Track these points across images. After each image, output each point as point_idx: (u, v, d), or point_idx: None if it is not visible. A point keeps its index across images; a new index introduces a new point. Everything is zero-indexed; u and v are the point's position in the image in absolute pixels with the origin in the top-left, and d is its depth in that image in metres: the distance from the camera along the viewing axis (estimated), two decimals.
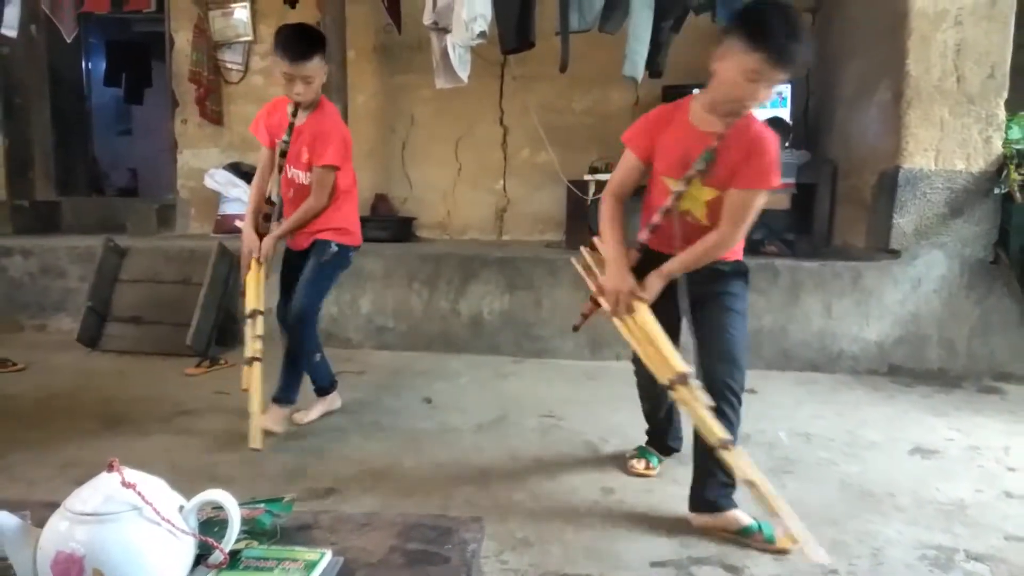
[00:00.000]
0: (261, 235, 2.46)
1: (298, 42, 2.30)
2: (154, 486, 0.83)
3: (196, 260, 3.88)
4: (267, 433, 2.35)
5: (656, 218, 1.90)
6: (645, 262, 1.92)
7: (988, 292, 3.31)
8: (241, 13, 5.10)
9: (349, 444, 2.42)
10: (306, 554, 0.89)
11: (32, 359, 3.48)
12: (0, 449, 2.32)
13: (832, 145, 4.18)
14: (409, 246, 4.38)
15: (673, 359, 1.77)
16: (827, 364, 3.44)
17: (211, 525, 0.91)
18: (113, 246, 3.97)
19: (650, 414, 2.25)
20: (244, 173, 4.94)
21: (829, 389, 3.18)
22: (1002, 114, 3.26)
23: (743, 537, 1.77)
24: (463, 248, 4.24)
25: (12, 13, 4.49)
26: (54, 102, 5.65)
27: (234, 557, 0.88)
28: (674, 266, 1.87)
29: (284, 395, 2.56)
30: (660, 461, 2.24)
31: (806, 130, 4.45)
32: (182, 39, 5.23)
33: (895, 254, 3.38)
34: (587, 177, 4.20)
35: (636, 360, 2.05)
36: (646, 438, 2.30)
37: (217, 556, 0.86)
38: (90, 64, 6.70)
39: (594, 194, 4.15)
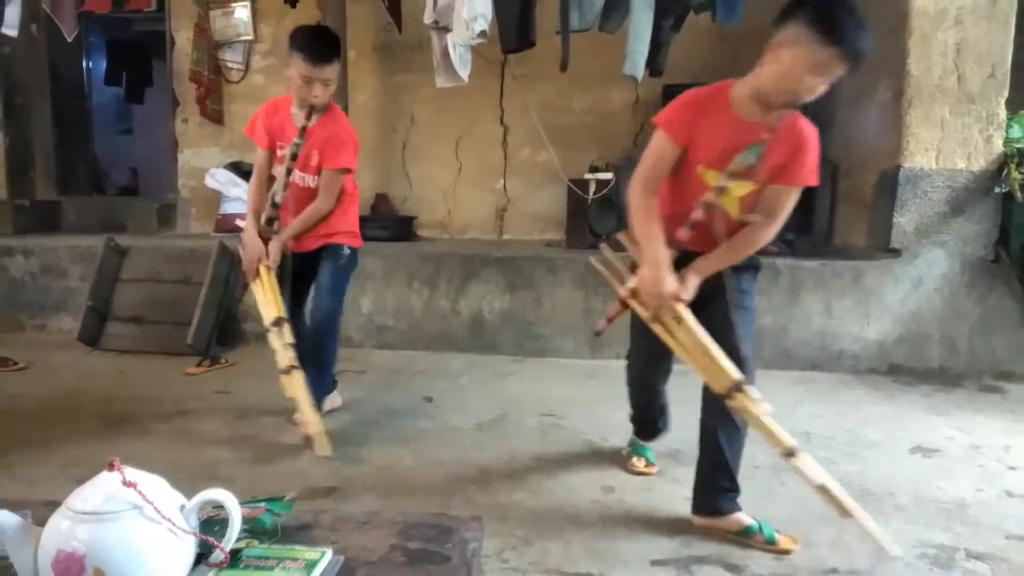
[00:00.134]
0: (264, 239, 2.40)
1: (321, 45, 2.28)
2: (155, 485, 0.83)
3: (197, 259, 3.88)
4: (310, 441, 2.30)
5: (697, 213, 1.76)
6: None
7: (989, 291, 3.31)
8: (242, 12, 5.10)
9: (350, 443, 2.42)
10: (307, 553, 0.89)
11: (33, 358, 3.48)
12: (1, 448, 2.32)
13: (833, 144, 4.17)
14: (409, 245, 4.38)
15: (727, 366, 1.68)
16: (827, 363, 3.44)
17: (212, 524, 0.90)
18: (114, 245, 3.97)
19: (642, 406, 2.20)
20: (245, 172, 4.94)
21: (829, 388, 3.18)
22: (1003, 113, 3.26)
23: (744, 537, 1.76)
24: (463, 247, 4.24)
25: (13, 12, 4.49)
26: (55, 101, 5.65)
27: (235, 556, 0.88)
28: (712, 263, 1.77)
29: (317, 403, 2.42)
30: (654, 458, 2.24)
31: None
32: (183, 38, 5.23)
33: (896, 253, 3.38)
34: (587, 176, 4.20)
35: (632, 354, 2.02)
36: (634, 430, 2.28)
37: (218, 555, 0.86)
38: (91, 63, 6.70)
39: (594, 193, 4.15)
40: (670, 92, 4.32)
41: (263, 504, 1.00)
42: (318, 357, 2.48)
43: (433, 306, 3.78)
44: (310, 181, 2.43)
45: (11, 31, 4.54)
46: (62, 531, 0.78)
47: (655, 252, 1.74)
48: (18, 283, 4.18)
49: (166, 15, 5.28)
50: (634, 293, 1.79)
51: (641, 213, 1.77)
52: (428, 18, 3.69)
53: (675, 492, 2.04)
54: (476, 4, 3.42)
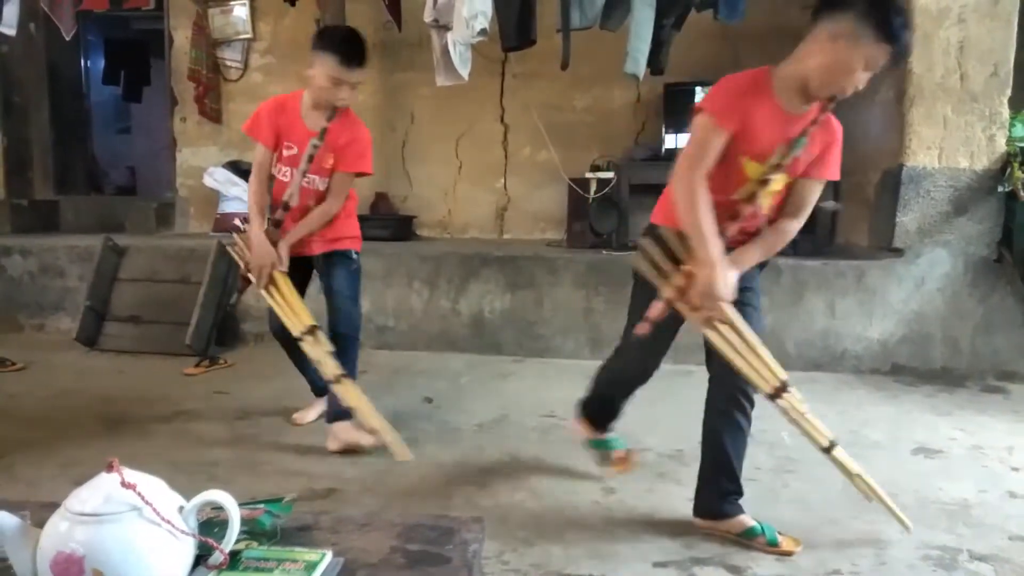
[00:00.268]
0: (272, 242, 2.32)
1: (355, 47, 2.25)
2: (154, 486, 0.83)
3: (195, 259, 3.87)
4: (349, 450, 2.28)
5: (747, 208, 1.70)
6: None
7: (992, 291, 3.30)
8: (240, 11, 5.09)
9: None
10: (306, 555, 0.89)
11: (31, 359, 3.47)
12: (0, 449, 2.31)
13: None
14: (409, 245, 4.37)
15: (776, 366, 1.67)
16: (830, 363, 3.43)
17: (211, 526, 0.90)
18: (112, 245, 3.96)
19: (617, 399, 2.06)
20: (243, 171, 4.93)
21: (832, 388, 3.17)
22: (1006, 112, 3.25)
23: (746, 539, 1.75)
24: (464, 247, 4.23)
25: (11, 11, 4.48)
26: (53, 100, 5.64)
27: (234, 558, 0.88)
28: (750, 259, 1.72)
29: (348, 409, 2.34)
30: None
31: None
32: (181, 37, 5.22)
33: (898, 253, 3.37)
34: (588, 175, 4.19)
35: (631, 350, 1.91)
36: (588, 427, 2.11)
37: (217, 557, 0.85)
38: (89, 62, 6.68)
39: (595, 192, 4.14)
40: (671, 91, 4.34)
41: (262, 506, 1.00)
42: (347, 366, 2.33)
43: (433, 306, 3.78)
44: (319, 183, 2.37)
45: (9, 30, 4.53)
46: (61, 532, 0.77)
47: (712, 250, 1.61)
48: (16, 283, 4.17)
49: (164, 13, 5.27)
50: (680, 293, 1.68)
51: (693, 206, 1.62)
52: (428, 16, 3.68)
53: (677, 493, 2.04)
54: (476, 2, 3.41)
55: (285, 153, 2.36)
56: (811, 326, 3.44)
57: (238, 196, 4.77)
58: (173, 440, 2.45)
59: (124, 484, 0.79)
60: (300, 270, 2.47)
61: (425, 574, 0.89)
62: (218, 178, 4.83)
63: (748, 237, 1.75)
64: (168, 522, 0.80)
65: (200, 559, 0.86)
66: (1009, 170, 3.21)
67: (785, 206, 1.77)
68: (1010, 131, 3.26)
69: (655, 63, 3.71)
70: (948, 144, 3.29)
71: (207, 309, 3.66)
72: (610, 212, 4.14)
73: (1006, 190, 3.24)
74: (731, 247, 1.71)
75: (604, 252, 3.89)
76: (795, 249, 3.85)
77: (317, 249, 2.43)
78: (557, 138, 4.57)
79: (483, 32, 3.47)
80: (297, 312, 2.28)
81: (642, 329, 1.73)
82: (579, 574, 1.62)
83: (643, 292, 1.81)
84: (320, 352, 2.23)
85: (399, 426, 2.60)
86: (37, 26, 5.34)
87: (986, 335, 3.32)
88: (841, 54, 1.57)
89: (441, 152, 4.99)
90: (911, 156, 3.31)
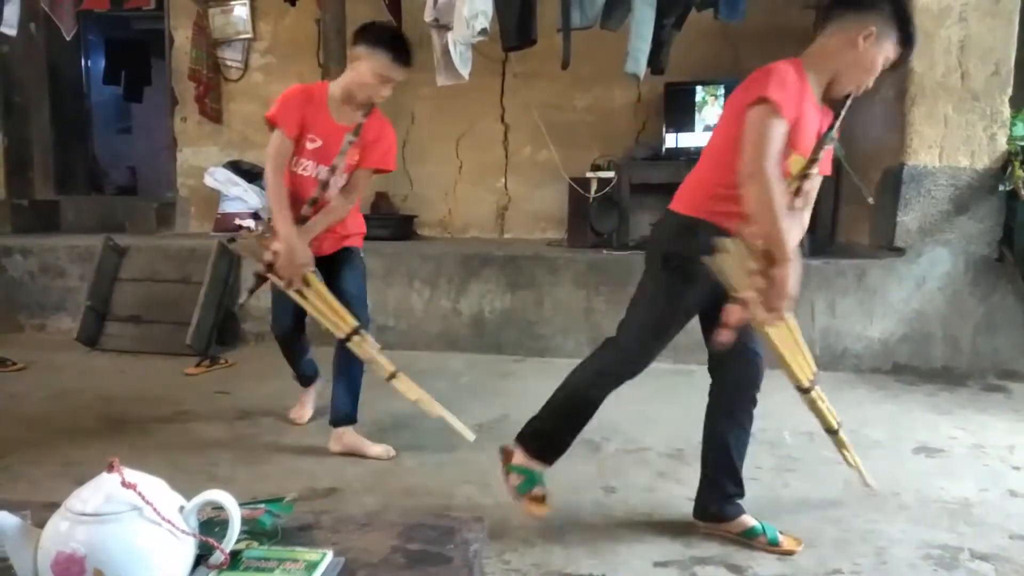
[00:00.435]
0: None
1: (407, 47, 2.24)
2: (154, 486, 0.83)
3: (196, 259, 3.87)
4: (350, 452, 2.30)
5: (799, 202, 1.66)
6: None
7: (993, 290, 3.30)
8: (241, 10, 5.09)
9: None
10: (307, 554, 0.89)
11: (32, 359, 3.47)
12: (0, 449, 2.31)
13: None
14: (410, 244, 4.37)
15: (811, 360, 1.71)
16: (831, 362, 3.42)
17: (211, 525, 0.90)
18: (112, 245, 3.96)
19: (584, 420, 1.88)
20: (244, 171, 4.92)
21: (832, 388, 3.14)
22: (1007, 111, 3.25)
23: (747, 539, 1.75)
24: (464, 246, 4.23)
25: (11, 11, 4.48)
26: (53, 100, 5.64)
27: (235, 557, 0.87)
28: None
29: (351, 414, 2.37)
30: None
31: None
32: (182, 37, 5.22)
33: (899, 252, 3.37)
34: (589, 175, 4.19)
35: (641, 353, 1.80)
36: (528, 453, 1.85)
37: (218, 556, 0.85)
38: (89, 62, 6.68)
39: (596, 192, 4.14)
40: (672, 90, 4.33)
41: (263, 505, 1.00)
42: (360, 367, 2.35)
43: (434, 306, 3.77)
44: (330, 179, 2.29)
45: (10, 30, 4.53)
46: (62, 532, 0.77)
47: (790, 251, 1.55)
48: (17, 283, 4.17)
49: (165, 13, 5.27)
50: (748, 298, 1.60)
51: (773, 204, 1.51)
52: (428, 16, 3.68)
53: (678, 492, 2.03)
54: (477, 2, 3.41)
55: (308, 146, 2.25)
56: (812, 325, 3.43)
57: (239, 196, 4.77)
58: (174, 440, 2.45)
59: (125, 484, 0.79)
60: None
61: (426, 574, 0.89)
62: (219, 178, 4.82)
63: None
64: (169, 522, 0.80)
65: (201, 559, 0.85)
66: (1010, 169, 3.20)
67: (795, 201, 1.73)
68: (1011, 130, 3.25)
69: (656, 63, 3.71)
70: (949, 143, 3.29)
71: (208, 309, 3.66)
72: (611, 212, 4.14)
73: (1007, 189, 3.23)
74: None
75: (605, 252, 3.88)
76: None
77: (328, 248, 2.36)
78: (558, 137, 4.56)
79: (483, 32, 3.47)
80: (340, 314, 2.22)
81: (727, 336, 1.62)
82: (580, 574, 1.62)
83: (683, 290, 1.71)
84: (370, 351, 2.22)
85: (399, 426, 2.61)
86: (38, 26, 5.34)
87: (987, 334, 3.32)
88: (869, 53, 1.61)
89: (441, 152, 4.99)
90: (912, 155, 3.31)
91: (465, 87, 3.91)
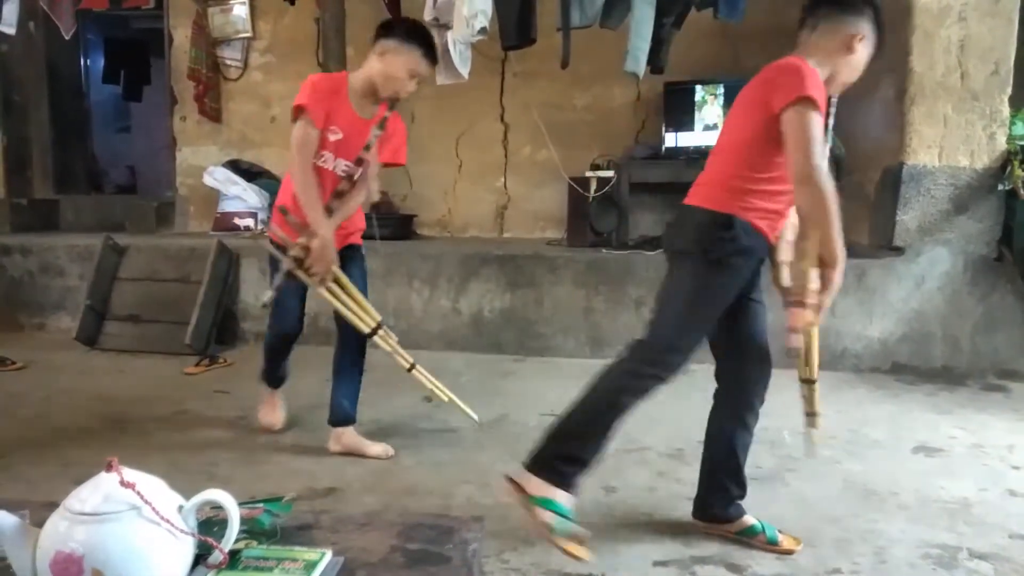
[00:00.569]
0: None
1: (434, 45, 2.25)
2: (153, 485, 0.82)
3: (195, 258, 3.87)
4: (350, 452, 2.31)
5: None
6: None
7: (992, 289, 3.30)
8: (240, 10, 5.08)
9: None
10: (306, 554, 0.88)
11: (31, 358, 3.47)
12: None
13: (835, 141, 4.17)
14: (409, 244, 4.37)
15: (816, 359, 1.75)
16: (830, 362, 3.42)
17: (210, 525, 0.89)
18: (112, 244, 3.96)
19: (604, 437, 1.72)
20: (243, 170, 4.92)
21: (832, 387, 3.16)
22: (1006, 110, 3.25)
23: (747, 537, 1.75)
24: (464, 246, 4.23)
25: (10, 10, 4.48)
26: (52, 99, 5.64)
27: (234, 557, 0.87)
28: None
29: (351, 414, 2.36)
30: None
31: None
32: (181, 36, 5.22)
33: (899, 251, 3.37)
34: (588, 174, 4.19)
35: (673, 352, 1.70)
36: (550, 482, 1.63)
37: (217, 556, 0.85)
38: (89, 61, 6.68)
39: (596, 191, 4.14)
40: (671, 89, 4.33)
41: (262, 505, 0.99)
42: (360, 366, 2.36)
43: (433, 305, 3.77)
44: (355, 172, 2.25)
45: (9, 29, 4.53)
46: (60, 532, 0.77)
47: (843, 250, 1.59)
48: (16, 282, 4.17)
49: (164, 12, 5.27)
50: (809, 302, 1.61)
51: (834, 207, 1.55)
52: (428, 15, 3.68)
53: (677, 492, 2.03)
54: (476, 1, 3.41)
55: (331, 138, 2.18)
56: None
57: (238, 195, 4.77)
58: (173, 439, 2.45)
59: (123, 483, 0.79)
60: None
61: (425, 573, 0.88)
62: (218, 177, 4.82)
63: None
64: (167, 521, 0.80)
65: (200, 558, 0.85)
66: (1009, 168, 3.20)
67: None
68: (1010, 129, 3.25)
69: (655, 62, 3.71)
70: (948, 142, 3.29)
71: (207, 308, 3.66)
72: (610, 211, 4.14)
73: (1006, 188, 3.23)
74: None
75: (604, 251, 3.88)
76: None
77: (339, 244, 2.29)
78: (557, 137, 4.56)
79: (483, 31, 3.47)
80: (366, 309, 2.24)
81: (797, 342, 1.64)
82: (579, 573, 1.62)
83: (727, 282, 1.68)
84: (392, 345, 2.27)
85: (399, 426, 2.61)
86: (37, 25, 5.34)
87: (986, 333, 3.32)
88: (862, 55, 1.69)
89: (441, 151, 4.99)
90: (911, 154, 3.31)
91: (465, 86, 3.91)
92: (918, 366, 3.36)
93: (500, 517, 1.86)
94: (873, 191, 3.63)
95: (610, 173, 4.15)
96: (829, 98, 1.72)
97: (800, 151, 1.54)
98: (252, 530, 0.94)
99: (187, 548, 0.83)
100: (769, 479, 2.16)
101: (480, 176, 5.00)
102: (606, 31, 3.71)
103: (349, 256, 2.33)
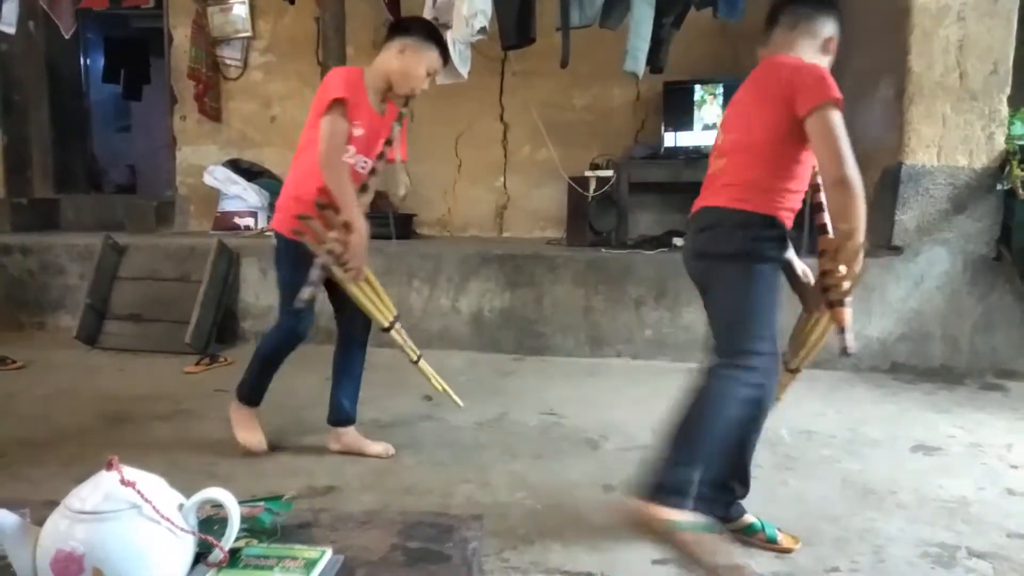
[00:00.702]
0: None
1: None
2: (153, 484, 0.83)
3: (195, 257, 3.87)
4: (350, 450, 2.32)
5: (820, 196, 1.76)
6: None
7: (991, 289, 3.30)
8: (240, 9, 5.08)
9: None
10: (306, 552, 0.88)
11: (31, 357, 3.47)
12: None
13: None
14: (409, 243, 4.36)
15: None
16: (829, 361, 3.41)
17: (211, 523, 0.90)
18: (112, 243, 3.96)
19: (748, 453, 1.73)
20: (243, 170, 4.93)
21: (830, 386, 3.17)
22: (1005, 110, 3.25)
23: (746, 536, 1.75)
24: (463, 245, 4.23)
25: (10, 9, 4.48)
26: (52, 99, 5.64)
27: (234, 555, 0.87)
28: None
29: (352, 414, 2.36)
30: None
31: None
32: (181, 35, 5.22)
33: (897, 251, 3.37)
34: (588, 174, 4.19)
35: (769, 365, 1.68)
36: (674, 507, 1.53)
37: (217, 554, 0.85)
38: (88, 60, 6.67)
39: (595, 191, 4.14)
40: (671, 89, 4.33)
41: (262, 503, 1.00)
42: (361, 366, 2.37)
43: (433, 304, 3.77)
44: (376, 168, 2.27)
45: (8, 28, 4.53)
46: (61, 530, 0.77)
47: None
48: (16, 281, 4.16)
49: (164, 12, 5.27)
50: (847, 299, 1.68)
51: (864, 206, 1.58)
52: (427, 14, 3.68)
53: None
54: (476, 1, 3.41)
55: (355, 133, 2.15)
56: None
57: (238, 195, 4.77)
58: (173, 438, 2.45)
59: (124, 482, 0.79)
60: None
61: (425, 572, 0.89)
62: (218, 176, 4.82)
63: None
64: (168, 520, 0.80)
65: (200, 557, 0.85)
66: (1008, 168, 3.20)
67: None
68: (1009, 129, 3.25)
69: (655, 61, 3.71)
70: (947, 142, 3.29)
71: (207, 307, 3.66)
72: (610, 211, 4.14)
73: (1005, 188, 3.24)
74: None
75: (604, 251, 3.89)
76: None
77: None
78: (557, 136, 4.56)
79: (483, 30, 3.48)
80: (386, 303, 2.27)
81: (849, 343, 1.72)
82: (578, 571, 1.62)
83: (777, 276, 1.72)
84: (403, 338, 2.31)
85: (399, 425, 2.61)
86: (36, 24, 5.34)
87: (985, 333, 3.32)
88: (832, 56, 1.75)
89: (441, 150, 4.99)
90: (910, 154, 3.31)
91: (464, 86, 3.91)
92: (917, 365, 3.37)
93: (500, 515, 1.87)
94: (872, 191, 3.63)
95: (609, 173, 4.16)
96: None
97: (833, 154, 1.57)
98: (252, 528, 0.94)
99: (187, 546, 0.83)
100: (768, 478, 2.16)
101: (480, 176, 5.00)
102: (605, 31, 3.72)
103: None
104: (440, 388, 2.41)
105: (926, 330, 3.36)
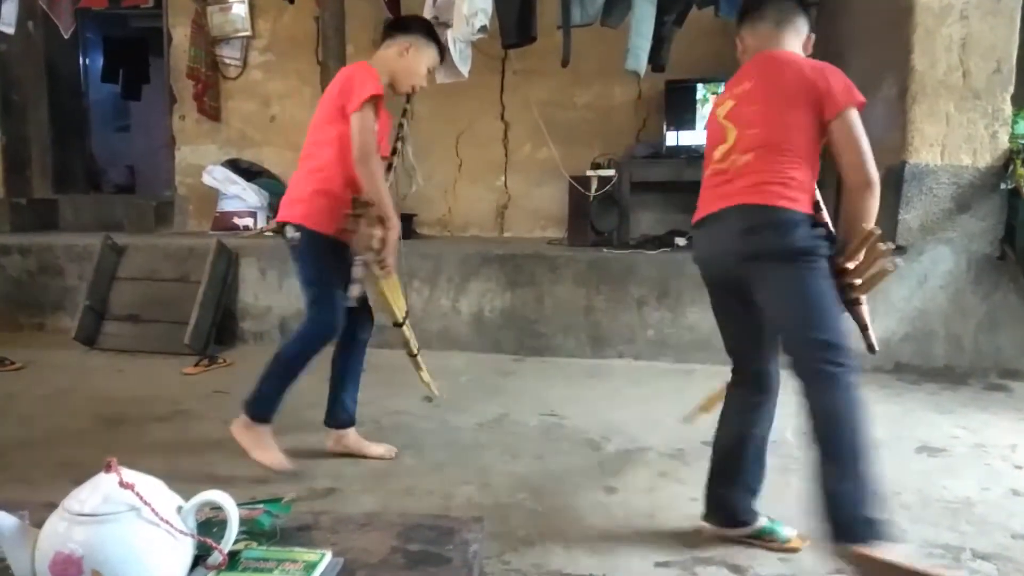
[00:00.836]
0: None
1: None
2: (152, 486, 0.82)
3: (194, 257, 3.86)
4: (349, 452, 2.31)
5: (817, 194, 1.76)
6: None
7: (994, 288, 3.29)
8: (239, 8, 5.08)
9: None
10: (306, 555, 0.88)
11: (30, 358, 3.46)
12: None
13: None
14: (409, 243, 4.35)
15: None
16: None
17: (210, 526, 0.89)
18: (111, 244, 3.95)
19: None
20: (242, 169, 4.92)
21: None
22: (1008, 109, 3.24)
23: (762, 540, 1.73)
24: (464, 245, 4.22)
25: (9, 9, 4.47)
26: (51, 99, 5.63)
27: (233, 558, 0.87)
28: None
29: (352, 416, 2.35)
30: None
31: None
32: (180, 35, 5.21)
33: (901, 250, 3.36)
34: (589, 173, 4.18)
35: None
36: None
37: (216, 557, 0.85)
38: (87, 60, 6.67)
39: (596, 190, 4.13)
40: (672, 88, 4.33)
41: (262, 506, 0.99)
42: (360, 368, 2.36)
43: (433, 304, 3.77)
44: (385, 165, 2.29)
45: (7, 28, 4.52)
46: (59, 533, 0.77)
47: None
48: (15, 282, 4.16)
49: (163, 11, 5.26)
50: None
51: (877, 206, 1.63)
52: (428, 13, 3.67)
53: (679, 492, 2.03)
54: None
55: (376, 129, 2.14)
56: None
57: (237, 194, 4.76)
58: (172, 440, 2.44)
59: (123, 484, 0.78)
60: (345, 261, 2.18)
61: (426, 574, 0.88)
62: (217, 176, 4.81)
63: None
64: (167, 522, 0.79)
65: (199, 559, 0.85)
66: (1012, 167, 3.20)
67: None
68: (1013, 128, 3.24)
69: (656, 60, 3.70)
70: (951, 141, 3.28)
71: (206, 308, 3.65)
72: (611, 210, 4.13)
73: (1009, 187, 3.23)
74: None
75: (605, 250, 3.88)
76: None
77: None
78: (558, 135, 4.55)
79: (483, 29, 3.46)
80: (404, 299, 2.34)
81: (874, 344, 1.76)
82: (580, 574, 1.61)
83: (826, 270, 1.66)
84: (411, 333, 2.39)
85: (399, 426, 2.60)
86: (35, 24, 5.33)
87: (989, 333, 3.31)
88: (810, 48, 1.78)
89: (441, 150, 4.98)
90: (914, 153, 3.30)
91: (465, 85, 3.90)
92: (920, 365, 3.35)
93: (500, 517, 1.86)
94: None
95: (611, 172, 4.15)
96: None
97: (861, 157, 1.59)
98: (252, 531, 0.94)
99: (186, 549, 0.82)
100: (772, 478, 2.14)
101: (480, 175, 5.00)
102: (607, 29, 3.71)
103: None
104: (425, 381, 2.46)
105: (930, 330, 3.35)
